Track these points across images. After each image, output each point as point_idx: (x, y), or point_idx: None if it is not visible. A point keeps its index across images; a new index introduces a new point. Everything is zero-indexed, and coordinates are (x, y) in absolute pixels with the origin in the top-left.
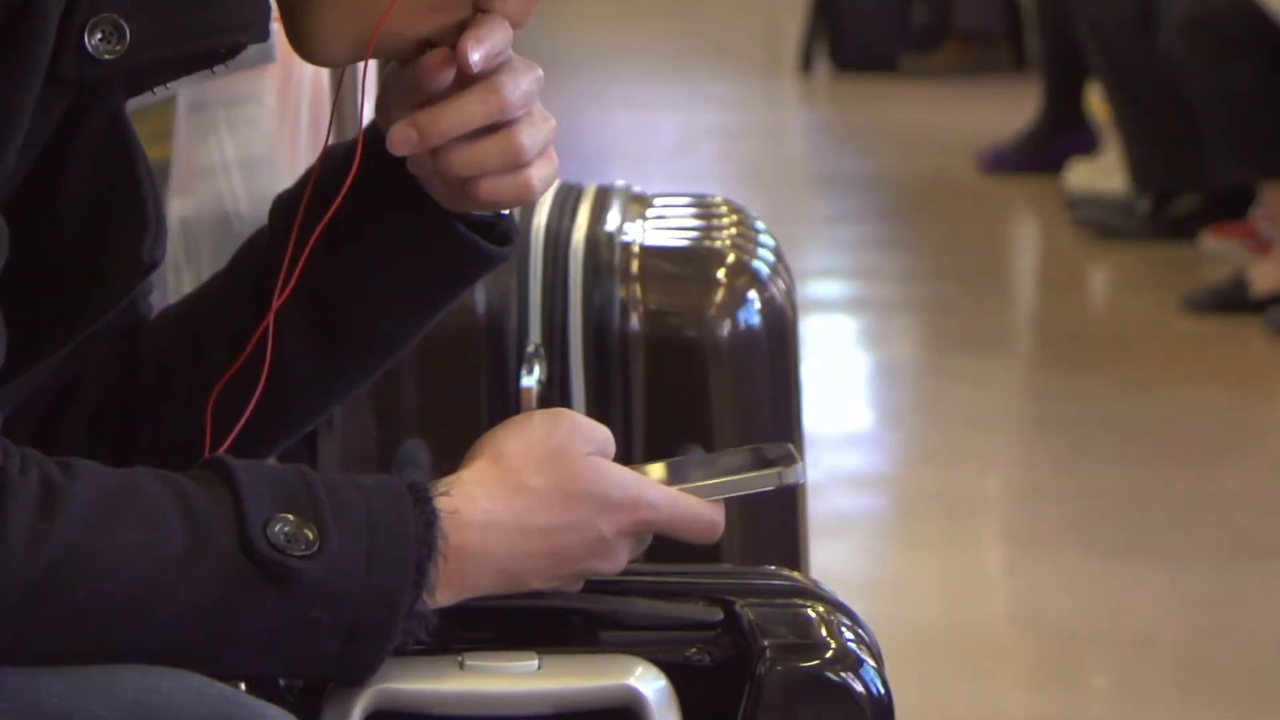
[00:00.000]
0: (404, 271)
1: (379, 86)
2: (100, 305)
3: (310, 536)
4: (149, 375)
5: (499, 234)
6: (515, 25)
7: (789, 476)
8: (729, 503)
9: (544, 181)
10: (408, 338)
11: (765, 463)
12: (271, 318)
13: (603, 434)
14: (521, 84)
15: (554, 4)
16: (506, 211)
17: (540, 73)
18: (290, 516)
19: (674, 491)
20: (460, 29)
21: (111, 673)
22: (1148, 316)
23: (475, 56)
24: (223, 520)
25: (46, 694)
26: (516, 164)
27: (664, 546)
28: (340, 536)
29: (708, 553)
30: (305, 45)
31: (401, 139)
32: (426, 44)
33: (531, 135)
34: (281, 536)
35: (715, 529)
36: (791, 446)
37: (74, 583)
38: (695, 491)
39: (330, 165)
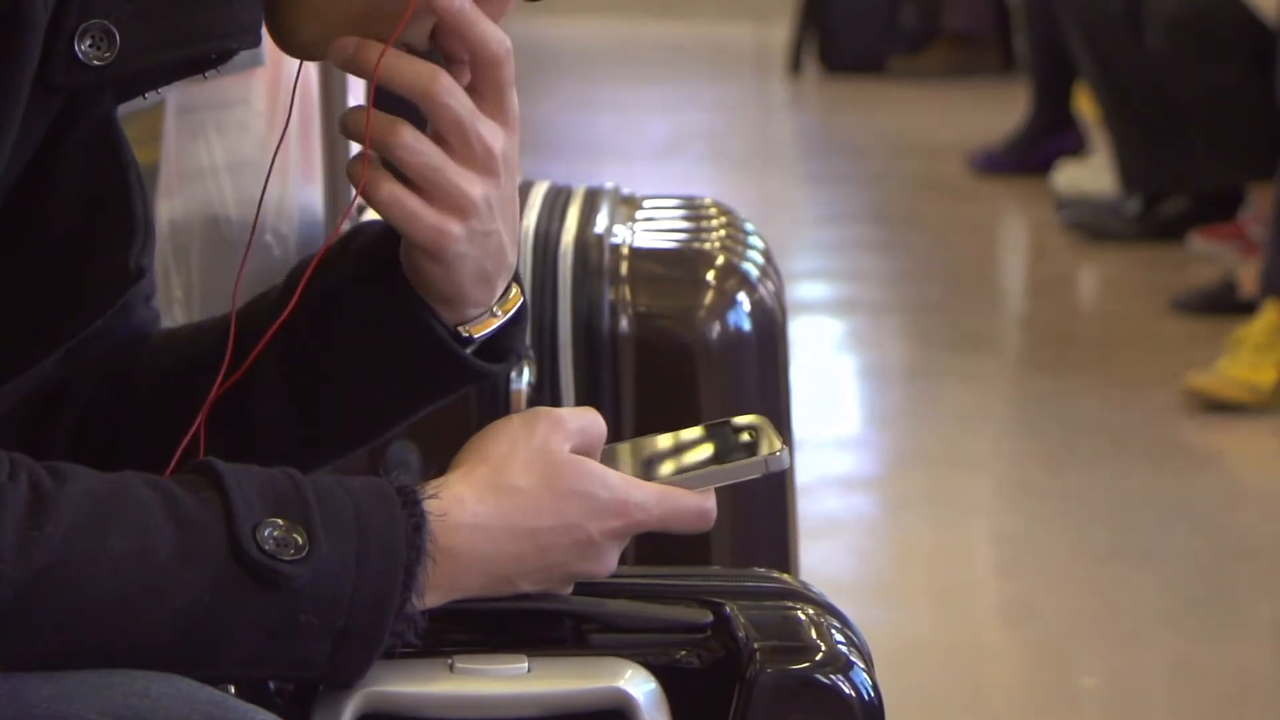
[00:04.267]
0: (384, 372)
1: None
2: (87, 313)
3: (299, 541)
4: (143, 397)
5: (499, 350)
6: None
7: (774, 464)
8: (718, 505)
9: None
10: (387, 427)
11: (743, 446)
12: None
13: (584, 421)
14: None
15: (544, 5)
16: (512, 321)
17: (517, 175)
18: (280, 521)
19: (661, 488)
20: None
21: (101, 677)
22: (1136, 318)
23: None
24: (212, 525)
25: (36, 699)
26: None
27: (654, 548)
28: (329, 540)
29: (697, 554)
30: (285, 36)
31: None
32: (406, 46)
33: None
34: (271, 541)
35: (706, 517)
36: (763, 420)
37: (64, 588)
38: (680, 483)
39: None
